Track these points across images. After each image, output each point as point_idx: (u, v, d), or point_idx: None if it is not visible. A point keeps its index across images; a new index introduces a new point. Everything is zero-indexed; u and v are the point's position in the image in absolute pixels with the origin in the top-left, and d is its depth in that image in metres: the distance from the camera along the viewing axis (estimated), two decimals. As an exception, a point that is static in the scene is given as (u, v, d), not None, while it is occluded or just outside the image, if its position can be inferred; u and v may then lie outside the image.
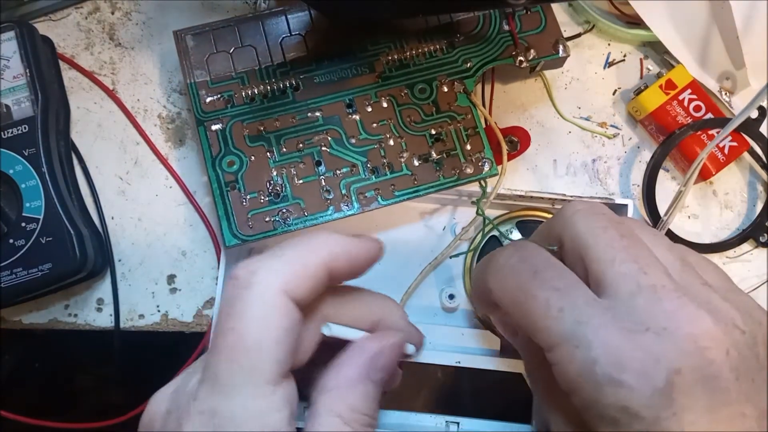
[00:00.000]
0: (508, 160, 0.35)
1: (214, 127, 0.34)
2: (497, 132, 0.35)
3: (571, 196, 0.37)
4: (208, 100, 0.35)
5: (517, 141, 0.36)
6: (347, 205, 0.33)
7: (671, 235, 0.39)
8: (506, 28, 0.36)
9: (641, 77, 0.42)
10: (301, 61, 0.36)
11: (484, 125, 0.35)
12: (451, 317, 0.39)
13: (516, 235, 0.39)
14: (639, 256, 0.22)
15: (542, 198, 0.37)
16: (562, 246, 0.24)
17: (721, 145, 0.39)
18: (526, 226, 0.39)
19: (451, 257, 0.38)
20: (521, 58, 0.36)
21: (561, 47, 0.36)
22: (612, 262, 0.22)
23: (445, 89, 0.35)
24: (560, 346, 0.21)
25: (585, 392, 0.21)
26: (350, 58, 0.36)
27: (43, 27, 0.40)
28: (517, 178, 0.40)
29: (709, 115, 0.39)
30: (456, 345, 0.38)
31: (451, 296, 0.38)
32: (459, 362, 0.37)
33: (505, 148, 0.35)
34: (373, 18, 0.36)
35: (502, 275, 0.25)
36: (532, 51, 0.36)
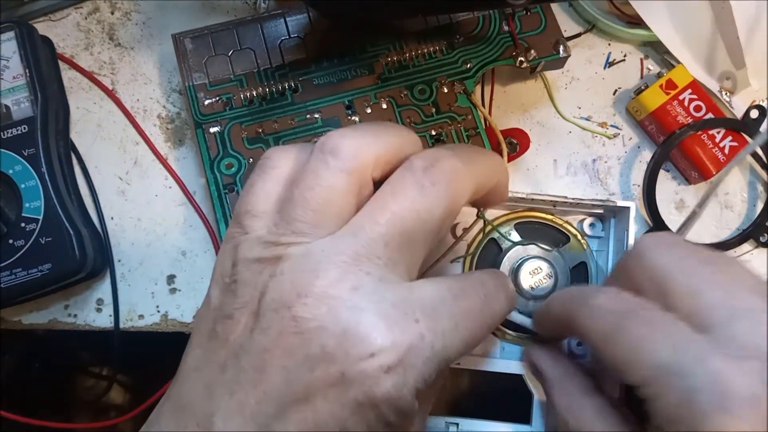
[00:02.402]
0: (508, 161, 0.35)
1: (212, 130, 0.34)
2: (497, 132, 0.35)
3: (572, 199, 0.36)
4: (207, 102, 0.35)
5: (517, 143, 0.36)
6: (347, 207, 0.33)
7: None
8: (506, 28, 0.36)
9: (641, 77, 0.42)
10: (300, 63, 0.36)
11: (484, 126, 0.35)
12: (450, 318, 0.39)
13: (515, 236, 0.39)
14: (726, 281, 0.22)
15: (543, 200, 0.37)
16: (641, 287, 0.24)
17: (721, 144, 0.39)
18: (526, 228, 0.39)
19: (451, 262, 0.38)
20: (521, 59, 0.36)
21: (561, 47, 0.36)
22: (700, 293, 0.21)
23: (445, 90, 0.35)
24: (656, 378, 0.20)
25: (685, 424, 0.20)
26: (349, 59, 0.36)
27: (43, 27, 0.40)
28: (518, 179, 0.40)
29: (710, 115, 0.39)
30: (455, 346, 0.38)
31: (451, 297, 0.38)
32: (459, 362, 0.37)
33: (505, 149, 0.35)
34: (373, 18, 0.36)
35: (594, 315, 0.24)
36: (532, 51, 0.36)
